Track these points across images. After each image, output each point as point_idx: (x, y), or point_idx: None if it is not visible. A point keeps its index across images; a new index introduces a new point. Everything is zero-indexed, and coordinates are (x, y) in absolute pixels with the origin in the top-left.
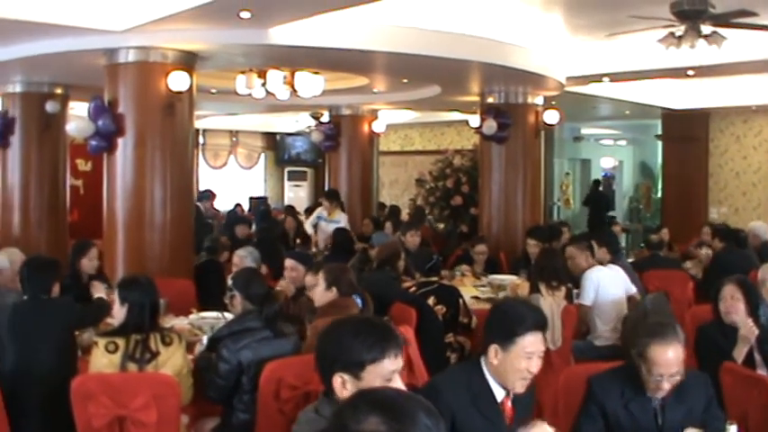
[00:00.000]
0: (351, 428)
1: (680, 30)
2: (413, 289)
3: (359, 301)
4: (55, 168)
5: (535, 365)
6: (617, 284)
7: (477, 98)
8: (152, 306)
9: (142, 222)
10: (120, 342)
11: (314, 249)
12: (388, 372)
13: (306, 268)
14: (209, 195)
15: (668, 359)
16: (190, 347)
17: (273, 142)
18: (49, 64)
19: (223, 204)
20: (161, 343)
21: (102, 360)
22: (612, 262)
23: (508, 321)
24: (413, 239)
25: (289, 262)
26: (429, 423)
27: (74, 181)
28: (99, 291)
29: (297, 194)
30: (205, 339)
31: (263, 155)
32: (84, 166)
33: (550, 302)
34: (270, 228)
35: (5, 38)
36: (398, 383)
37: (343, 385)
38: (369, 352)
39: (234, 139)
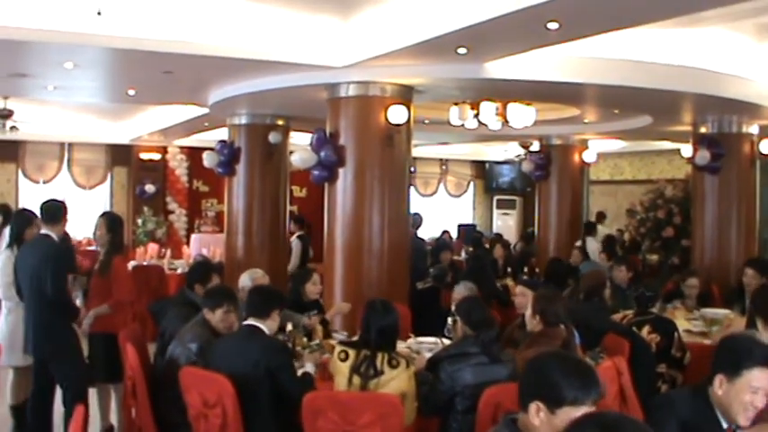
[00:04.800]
0: None
1: None
2: (628, 320)
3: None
4: (276, 195)
5: (760, 400)
6: None
7: (689, 128)
8: (384, 328)
9: (361, 249)
10: (351, 353)
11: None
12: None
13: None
14: (419, 220)
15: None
16: None
17: (482, 170)
18: (273, 98)
19: (432, 232)
20: (387, 364)
21: (338, 364)
22: None
23: (736, 354)
24: (621, 274)
25: (519, 288)
26: None
27: (290, 207)
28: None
29: (505, 223)
30: None
31: (472, 183)
32: (299, 192)
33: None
34: (479, 256)
35: (235, 75)
36: None
37: (537, 413)
38: (572, 394)
39: (444, 167)
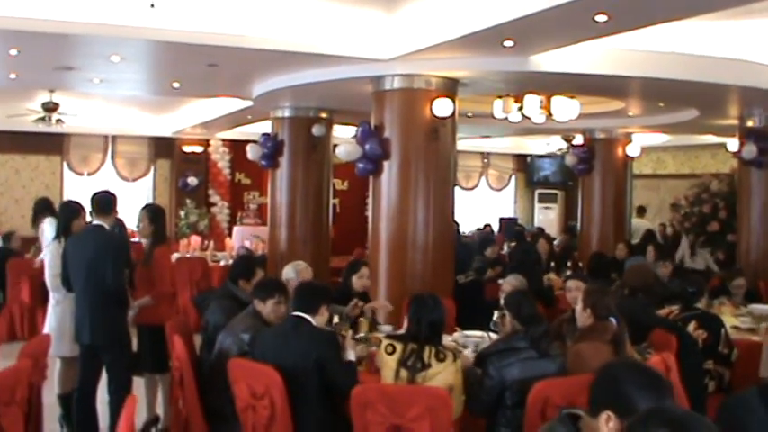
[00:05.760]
0: None
1: None
2: (674, 315)
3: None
4: (319, 188)
5: None
6: None
7: (735, 121)
8: (434, 322)
9: (405, 242)
10: (398, 346)
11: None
12: None
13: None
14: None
15: None
16: None
17: (524, 164)
18: (317, 91)
19: (473, 225)
20: (434, 357)
21: (384, 357)
22: None
23: None
24: (665, 270)
25: (573, 282)
26: None
27: (331, 199)
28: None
29: (547, 216)
30: None
31: (513, 176)
32: (340, 185)
33: None
34: (527, 250)
35: (279, 68)
36: None
37: (607, 423)
38: (645, 407)
39: (485, 160)
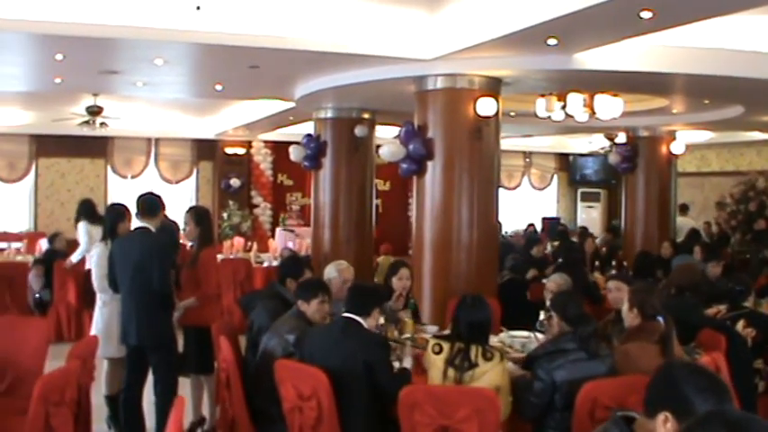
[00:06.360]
0: None
1: None
2: (721, 314)
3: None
4: (362, 188)
5: None
6: None
7: None
8: (473, 323)
9: (449, 242)
10: (445, 346)
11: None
12: None
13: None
14: None
15: None
16: None
17: (566, 163)
18: (359, 91)
19: (516, 225)
20: (481, 356)
21: (431, 357)
22: None
23: None
24: (715, 270)
25: (613, 283)
26: None
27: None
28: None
29: (589, 215)
30: None
31: (555, 175)
32: (383, 185)
33: None
34: (573, 249)
35: (321, 69)
36: None
37: (665, 424)
38: (705, 410)
39: (527, 159)
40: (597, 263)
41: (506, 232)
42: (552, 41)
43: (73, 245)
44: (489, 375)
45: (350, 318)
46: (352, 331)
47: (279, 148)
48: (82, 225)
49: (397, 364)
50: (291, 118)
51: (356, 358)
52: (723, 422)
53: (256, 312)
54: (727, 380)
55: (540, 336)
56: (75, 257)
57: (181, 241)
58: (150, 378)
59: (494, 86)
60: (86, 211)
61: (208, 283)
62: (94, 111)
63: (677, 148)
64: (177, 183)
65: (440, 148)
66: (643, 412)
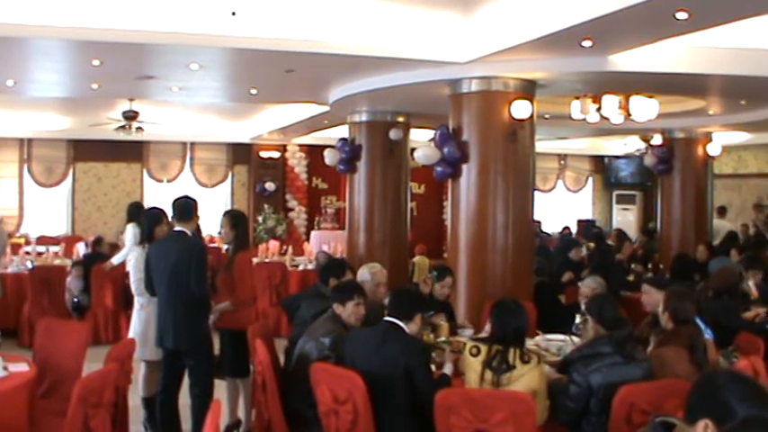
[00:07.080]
0: None
1: None
2: (759, 318)
3: (703, 326)
4: (397, 191)
5: None
6: None
7: None
8: (516, 328)
9: (485, 245)
10: (483, 348)
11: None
12: None
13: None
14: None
15: None
16: None
17: (601, 165)
18: (394, 95)
19: (550, 227)
20: (519, 359)
21: (469, 359)
22: None
23: None
24: (756, 278)
25: (645, 286)
26: None
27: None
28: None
29: (625, 218)
30: None
31: (590, 178)
32: (417, 189)
33: None
34: (608, 252)
35: (356, 72)
36: None
37: (705, 430)
38: None
39: (562, 162)
40: (633, 265)
41: (544, 232)
42: (587, 43)
43: (113, 249)
44: (526, 378)
45: (392, 322)
46: (394, 335)
47: (313, 152)
48: (130, 227)
49: (433, 368)
50: (326, 122)
51: (397, 362)
52: (762, 426)
53: (305, 308)
54: (766, 383)
55: (575, 339)
56: (116, 259)
57: (213, 244)
58: (186, 381)
59: (528, 89)
60: (136, 213)
61: (243, 286)
62: (131, 115)
63: (713, 149)
64: (213, 187)
65: (475, 152)
66: (684, 418)
